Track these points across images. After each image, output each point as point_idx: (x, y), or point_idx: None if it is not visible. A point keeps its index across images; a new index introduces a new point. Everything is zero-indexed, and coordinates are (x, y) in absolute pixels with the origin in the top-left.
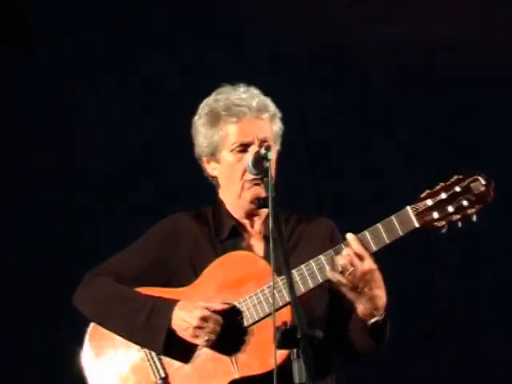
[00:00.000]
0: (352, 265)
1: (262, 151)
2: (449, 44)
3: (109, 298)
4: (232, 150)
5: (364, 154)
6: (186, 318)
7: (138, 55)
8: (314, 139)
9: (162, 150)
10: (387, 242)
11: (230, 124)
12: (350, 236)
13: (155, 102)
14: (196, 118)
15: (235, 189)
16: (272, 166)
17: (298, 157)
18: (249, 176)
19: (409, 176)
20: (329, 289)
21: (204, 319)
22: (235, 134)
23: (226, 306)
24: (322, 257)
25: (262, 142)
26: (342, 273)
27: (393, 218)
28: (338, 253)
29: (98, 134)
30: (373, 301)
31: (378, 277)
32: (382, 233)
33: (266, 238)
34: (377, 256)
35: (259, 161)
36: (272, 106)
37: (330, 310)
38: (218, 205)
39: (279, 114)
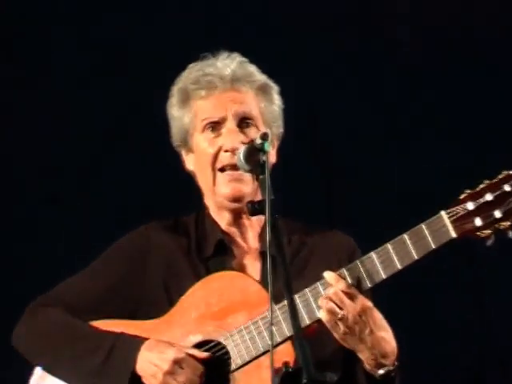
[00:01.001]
0: (341, 307)
1: (258, 141)
2: None
3: (56, 334)
4: (203, 131)
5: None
6: (155, 361)
7: None
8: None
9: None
10: (416, 257)
11: (199, 99)
12: (328, 274)
13: None
14: (169, 99)
15: (208, 181)
16: (270, 159)
17: (304, 152)
18: (221, 163)
19: (442, 172)
20: None
21: (178, 363)
22: (203, 110)
23: (208, 354)
24: (344, 270)
25: (241, 119)
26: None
27: (422, 226)
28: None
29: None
30: (377, 346)
31: (377, 316)
32: (409, 246)
33: (263, 256)
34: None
35: (253, 153)
36: (259, 76)
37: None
38: (201, 212)
39: (275, 87)
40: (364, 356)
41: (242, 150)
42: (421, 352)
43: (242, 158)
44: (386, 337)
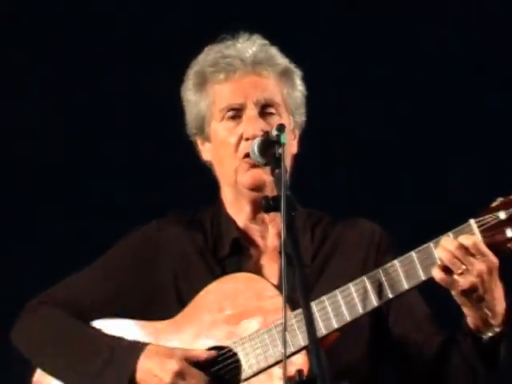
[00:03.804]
0: (462, 261)
1: (274, 132)
2: None
3: (54, 336)
4: (221, 119)
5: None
6: (155, 371)
7: None
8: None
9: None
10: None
11: (217, 84)
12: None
13: None
14: (184, 82)
15: (229, 172)
16: (288, 150)
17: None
18: (243, 152)
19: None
20: (370, 323)
21: (181, 375)
22: (222, 96)
23: (213, 353)
24: (351, 286)
25: (263, 106)
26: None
27: (450, 235)
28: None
29: None
30: (490, 306)
31: (496, 275)
32: (434, 254)
33: (281, 256)
34: None
35: (268, 145)
36: (281, 60)
37: (391, 352)
38: (217, 207)
39: (298, 72)
40: (473, 316)
41: (256, 142)
42: None
43: (256, 150)
44: (499, 296)
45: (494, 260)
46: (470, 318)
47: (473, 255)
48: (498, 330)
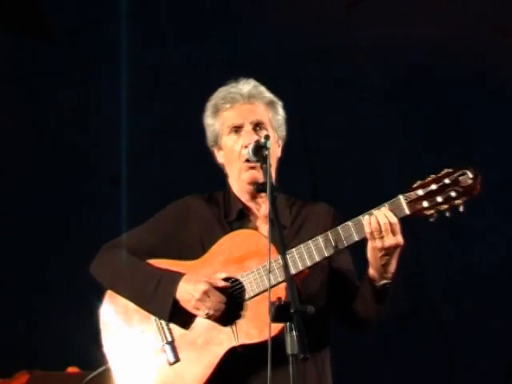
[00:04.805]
0: (387, 237)
1: (262, 140)
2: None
3: (122, 268)
4: (228, 134)
5: (360, 153)
6: (189, 291)
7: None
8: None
9: (172, 136)
10: None
11: (225, 111)
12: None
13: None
14: (204, 112)
15: (235, 170)
16: (273, 153)
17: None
18: (243, 157)
19: (402, 170)
20: (329, 268)
21: (206, 293)
22: (228, 118)
23: (227, 284)
24: (319, 238)
25: (256, 124)
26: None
27: (385, 205)
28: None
29: (109, 119)
30: (386, 265)
31: (399, 249)
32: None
33: (271, 222)
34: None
35: (259, 149)
36: (267, 94)
37: (332, 286)
38: (227, 190)
39: (279, 103)
40: (376, 269)
41: (250, 146)
42: None
43: (250, 152)
44: (394, 262)
45: (402, 240)
46: (371, 271)
47: (390, 229)
48: (386, 281)
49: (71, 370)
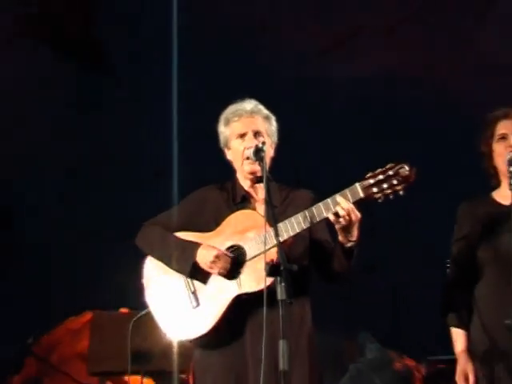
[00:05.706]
0: (348, 214)
1: (260, 145)
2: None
3: (158, 239)
4: (236, 139)
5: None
6: (205, 255)
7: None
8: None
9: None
10: None
11: (234, 122)
12: (340, 198)
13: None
14: (218, 122)
15: (240, 165)
16: (268, 154)
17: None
18: (245, 155)
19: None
20: (309, 237)
21: (217, 257)
22: (236, 128)
23: (232, 255)
24: (299, 215)
25: (256, 133)
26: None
27: (346, 190)
28: (335, 204)
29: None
30: (351, 234)
31: (358, 222)
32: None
33: (266, 203)
34: None
35: (257, 151)
36: (264, 111)
37: (313, 250)
38: (234, 180)
39: (273, 117)
40: (343, 236)
41: (251, 149)
42: None
43: (251, 153)
44: (356, 231)
45: (359, 215)
46: (341, 237)
47: (351, 210)
48: (352, 244)
49: (123, 310)
